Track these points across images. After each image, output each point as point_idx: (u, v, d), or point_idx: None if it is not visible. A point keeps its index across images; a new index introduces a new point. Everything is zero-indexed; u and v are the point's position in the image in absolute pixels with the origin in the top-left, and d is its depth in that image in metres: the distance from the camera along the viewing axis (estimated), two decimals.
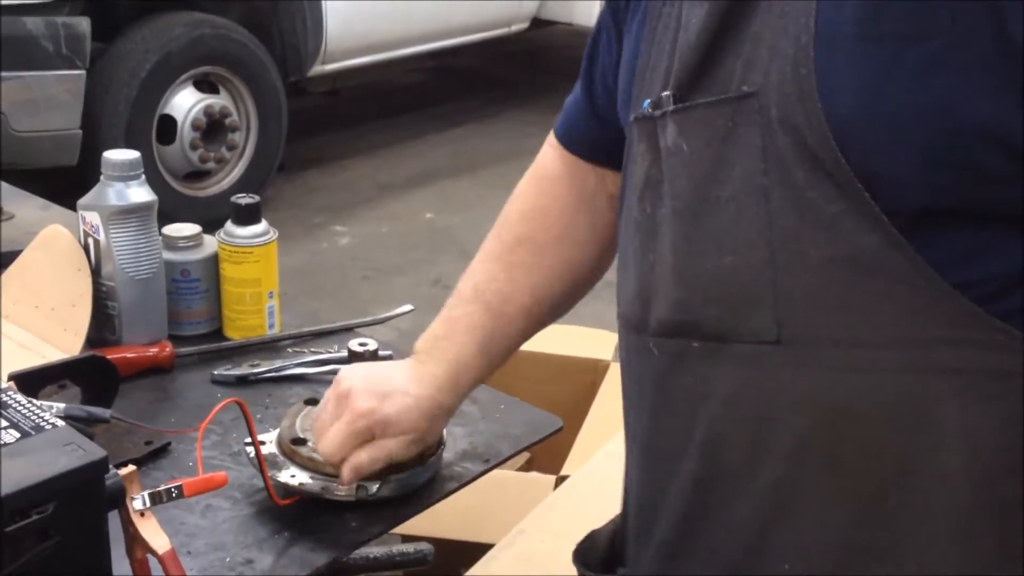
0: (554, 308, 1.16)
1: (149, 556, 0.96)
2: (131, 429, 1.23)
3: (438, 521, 1.84)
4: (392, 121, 5.75)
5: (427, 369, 1.11)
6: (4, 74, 3.53)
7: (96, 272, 1.42)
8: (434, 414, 1.12)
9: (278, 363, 1.44)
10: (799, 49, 0.74)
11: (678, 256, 0.83)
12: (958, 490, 0.75)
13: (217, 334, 1.53)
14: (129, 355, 1.39)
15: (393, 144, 5.46)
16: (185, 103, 4.11)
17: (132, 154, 1.41)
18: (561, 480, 2.01)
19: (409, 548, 1.71)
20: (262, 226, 1.50)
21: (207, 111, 4.14)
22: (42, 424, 0.95)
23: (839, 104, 0.73)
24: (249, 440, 1.15)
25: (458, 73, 6.51)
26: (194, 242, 1.51)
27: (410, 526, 1.46)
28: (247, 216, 1.48)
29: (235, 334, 1.51)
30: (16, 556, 0.86)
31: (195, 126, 4.11)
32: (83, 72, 3.74)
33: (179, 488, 0.99)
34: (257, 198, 1.50)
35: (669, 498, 0.87)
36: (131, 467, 0.95)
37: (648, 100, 0.87)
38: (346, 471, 1.10)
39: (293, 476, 1.17)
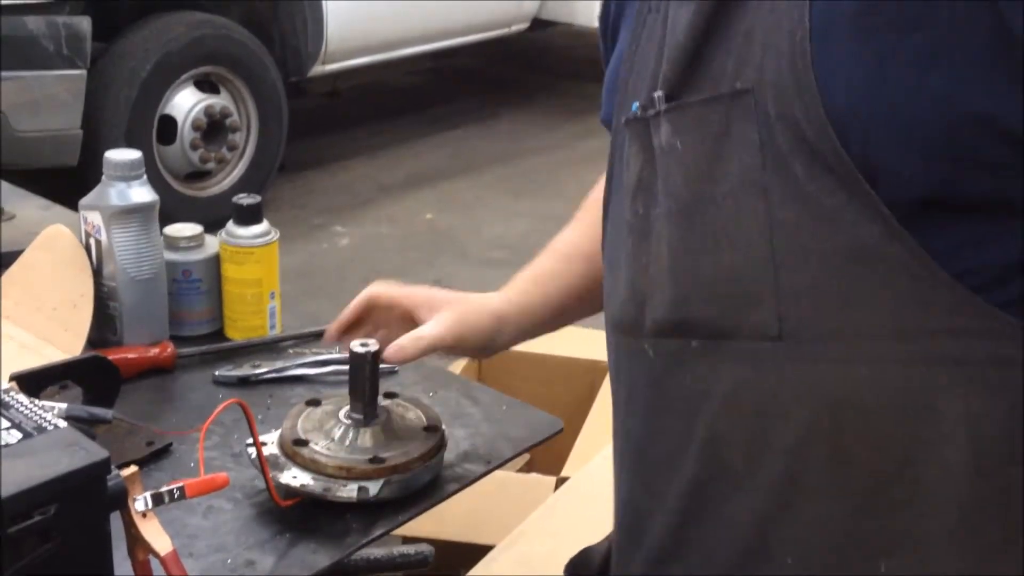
0: None
1: (151, 557, 0.96)
2: (133, 430, 1.22)
3: (439, 522, 1.84)
4: (392, 122, 5.75)
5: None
6: (4, 74, 3.53)
7: (97, 272, 1.42)
8: (478, 307, 1.18)
9: (279, 364, 1.44)
10: (794, 44, 0.74)
11: (674, 255, 0.82)
12: (961, 480, 0.75)
13: (219, 334, 1.52)
14: (130, 356, 1.39)
15: (392, 145, 5.46)
16: (185, 103, 4.11)
17: (134, 154, 1.40)
18: (561, 482, 2.01)
19: (410, 550, 1.72)
20: (263, 226, 1.50)
21: (207, 111, 4.14)
22: (44, 425, 0.95)
23: (837, 97, 0.73)
24: (251, 441, 1.15)
25: (458, 74, 6.51)
26: (196, 242, 1.50)
27: (411, 527, 1.46)
28: (248, 216, 1.48)
29: (236, 335, 1.51)
30: (17, 558, 0.86)
31: (195, 126, 4.11)
32: (84, 72, 3.74)
33: (181, 489, 0.99)
34: (258, 198, 1.50)
35: (663, 500, 0.87)
36: (133, 468, 0.94)
37: (637, 103, 0.87)
38: (389, 350, 1.15)
39: (295, 477, 1.17)
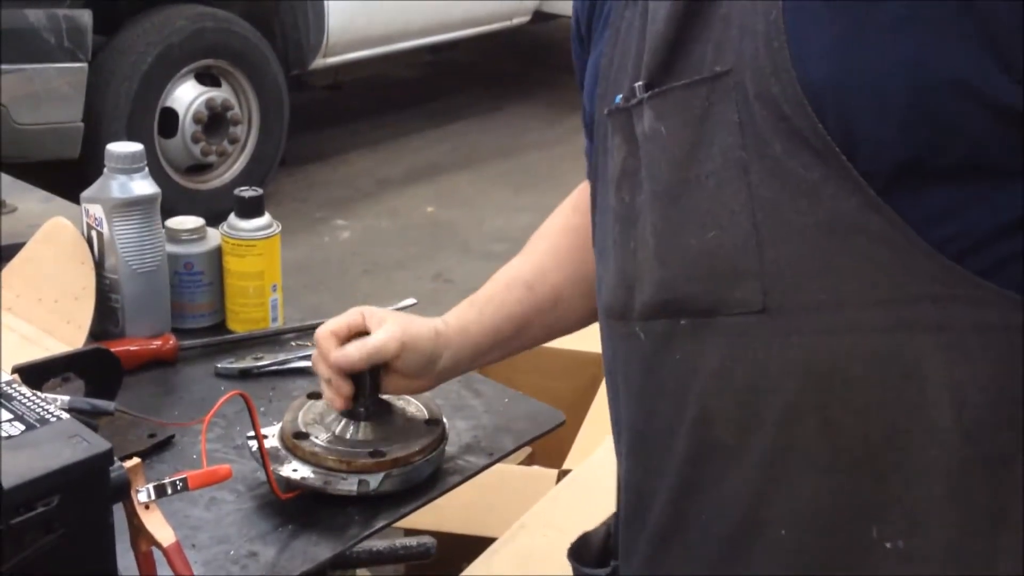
0: (554, 290, 1.20)
1: (153, 549, 0.96)
2: (135, 422, 1.23)
3: (440, 515, 1.84)
4: (393, 116, 5.75)
5: None
6: (5, 67, 3.53)
7: (99, 265, 1.42)
8: (420, 322, 1.19)
9: (281, 356, 1.44)
10: (769, 24, 0.76)
11: (660, 237, 0.84)
12: (949, 446, 0.76)
13: (220, 327, 1.53)
14: (132, 348, 1.39)
15: (394, 138, 5.46)
16: (187, 96, 4.11)
17: (135, 146, 1.40)
18: (563, 474, 2.01)
19: (412, 542, 1.72)
20: (265, 219, 1.50)
21: (209, 104, 4.14)
22: (47, 416, 0.95)
23: (813, 71, 0.74)
24: (252, 434, 1.15)
25: (459, 67, 6.50)
26: (197, 235, 1.51)
27: (413, 520, 1.47)
28: (250, 209, 1.48)
29: (238, 327, 1.51)
30: (20, 549, 0.86)
31: (196, 119, 4.11)
32: (85, 65, 3.74)
33: (184, 481, 0.99)
34: (260, 191, 1.50)
35: (661, 480, 0.88)
36: (136, 460, 0.94)
37: (619, 95, 0.88)
38: (335, 355, 1.14)
39: (295, 470, 1.17)
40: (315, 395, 1.26)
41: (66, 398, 1.09)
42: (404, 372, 1.17)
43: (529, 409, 1.38)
